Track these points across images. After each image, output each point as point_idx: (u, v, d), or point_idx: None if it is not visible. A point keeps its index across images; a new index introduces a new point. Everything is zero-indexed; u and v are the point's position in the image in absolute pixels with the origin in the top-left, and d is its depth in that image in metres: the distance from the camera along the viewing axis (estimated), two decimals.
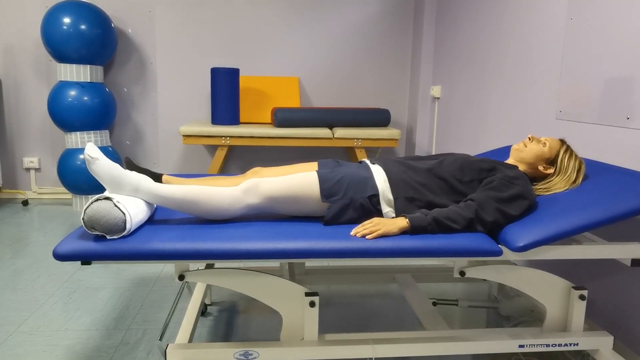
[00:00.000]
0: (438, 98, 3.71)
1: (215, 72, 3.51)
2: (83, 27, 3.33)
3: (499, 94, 2.77)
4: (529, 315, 1.89)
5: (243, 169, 4.12)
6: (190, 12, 3.82)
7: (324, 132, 3.49)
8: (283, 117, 3.52)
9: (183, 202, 1.38)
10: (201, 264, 2.05)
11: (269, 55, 3.95)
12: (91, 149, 1.32)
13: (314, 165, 1.64)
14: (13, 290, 2.24)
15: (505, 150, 2.10)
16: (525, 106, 2.47)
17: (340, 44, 3.99)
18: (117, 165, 1.36)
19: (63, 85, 3.40)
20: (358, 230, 1.36)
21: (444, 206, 1.49)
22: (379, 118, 3.70)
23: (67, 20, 3.29)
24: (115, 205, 1.26)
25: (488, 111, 2.90)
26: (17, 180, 3.90)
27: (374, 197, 1.47)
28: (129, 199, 1.33)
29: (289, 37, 3.94)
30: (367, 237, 1.33)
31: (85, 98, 3.41)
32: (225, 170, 4.10)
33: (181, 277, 1.42)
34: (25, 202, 3.74)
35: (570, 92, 2.10)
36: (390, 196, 1.48)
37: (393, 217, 1.47)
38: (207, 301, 2.16)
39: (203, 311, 2.09)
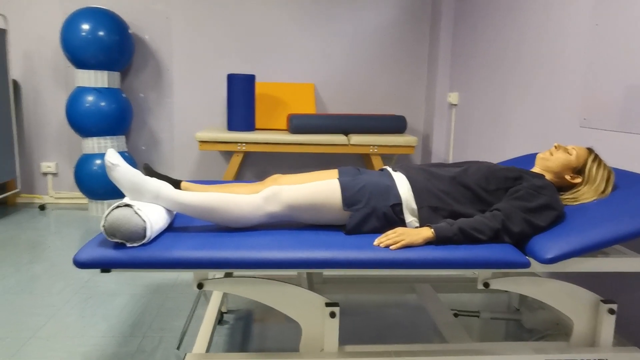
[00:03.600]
0: (455, 105, 3.66)
1: (232, 79, 3.51)
2: (101, 33, 3.35)
3: (520, 101, 2.72)
4: (553, 329, 1.83)
5: (258, 176, 4.11)
6: (206, 18, 3.84)
7: (339, 138, 3.47)
8: (298, 124, 3.51)
9: (203, 210, 1.37)
10: (219, 272, 2.03)
11: (284, 62, 3.94)
12: (112, 155, 1.31)
13: (334, 173, 1.62)
14: (30, 295, 2.24)
15: (529, 159, 2.06)
16: (548, 114, 2.43)
17: (356, 50, 3.98)
18: (137, 172, 1.35)
19: (81, 91, 3.43)
20: (381, 240, 1.33)
21: (469, 216, 1.46)
22: (395, 125, 3.67)
23: (85, 26, 3.32)
24: (136, 213, 1.24)
25: (508, 118, 2.86)
26: (34, 185, 3.93)
27: (397, 206, 1.43)
28: (149, 206, 1.32)
29: (305, 44, 3.93)
30: (390, 247, 1.30)
31: (103, 104, 3.43)
32: (240, 176, 4.09)
33: (200, 286, 1.40)
34: (42, 207, 3.76)
35: (595, 100, 2.05)
36: (414, 205, 1.45)
37: (417, 227, 1.43)
38: (224, 309, 2.13)
39: (219, 319, 2.07)
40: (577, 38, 2.20)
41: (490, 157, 3.12)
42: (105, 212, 1.19)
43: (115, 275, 2.52)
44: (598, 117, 2.02)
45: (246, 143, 3.44)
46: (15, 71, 3.76)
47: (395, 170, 1.57)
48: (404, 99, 4.08)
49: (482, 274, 1.47)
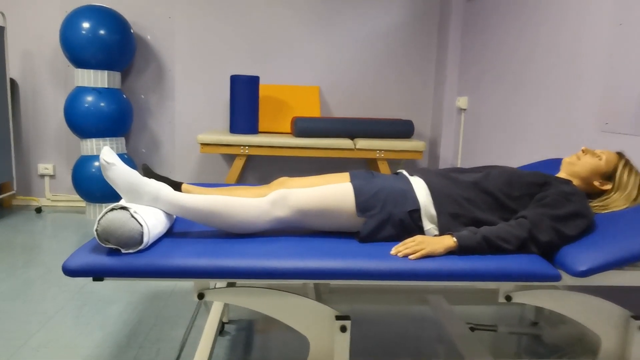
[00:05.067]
0: (464, 109, 3.57)
1: (235, 80, 3.41)
2: (102, 32, 3.26)
3: (534, 104, 2.63)
4: (576, 345, 1.72)
5: (261, 180, 4.01)
6: (210, 18, 3.75)
7: (345, 142, 3.37)
8: (303, 127, 3.41)
9: (205, 214, 1.26)
10: (221, 281, 1.92)
11: (289, 64, 3.85)
12: (107, 154, 1.21)
13: (345, 176, 1.52)
14: (23, 302, 2.14)
15: (549, 164, 1.96)
16: (566, 118, 2.33)
17: (362, 53, 3.89)
18: (135, 172, 1.25)
19: (80, 91, 3.34)
20: (399, 249, 1.23)
21: (491, 223, 1.35)
22: (402, 129, 3.57)
23: (86, 25, 3.24)
24: (132, 216, 1.14)
25: (521, 123, 2.76)
26: (31, 187, 3.83)
27: (415, 212, 1.33)
28: (147, 209, 1.22)
29: (310, 46, 3.84)
30: (409, 257, 1.20)
31: (102, 104, 3.34)
32: (242, 181, 3.99)
33: (201, 296, 1.30)
34: (38, 210, 3.66)
35: (618, 103, 1.95)
36: (433, 211, 1.34)
37: (436, 235, 1.33)
38: (225, 319, 2.03)
39: (220, 330, 1.96)
40: (597, 38, 2.10)
41: (501, 163, 3.01)
42: (98, 215, 1.09)
43: (111, 282, 2.42)
44: (622, 121, 1.92)
45: (249, 146, 3.34)
46: (13, 70, 3.67)
47: (412, 175, 1.47)
48: (410, 103, 3.99)
49: (503, 286, 1.36)
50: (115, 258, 1.14)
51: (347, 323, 1.31)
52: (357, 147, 3.39)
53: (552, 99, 2.44)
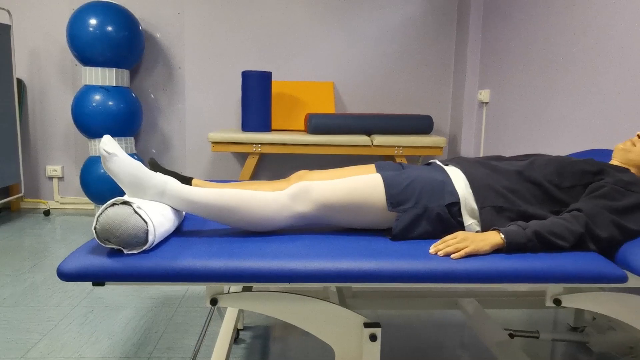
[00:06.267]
0: (486, 103, 3.40)
1: (247, 76, 3.29)
2: (109, 28, 3.16)
3: (566, 95, 2.46)
4: (627, 353, 1.56)
5: (274, 179, 3.87)
6: (220, 14, 3.63)
7: (362, 139, 3.22)
8: (318, 123, 3.27)
9: (218, 209, 1.13)
10: (236, 285, 1.78)
11: (302, 60, 3.72)
12: (108, 143, 1.08)
13: (371, 168, 1.37)
14: (25, 308, 2.02)
15: (593, 154, 1.79)
16: (601, 109, 2.16)
17: (377, 47, 3.74)
18: (138, 164, 1.12)
19: (88, 90, 3.23)
20: (439, 247, 1.07)
21: (540, 218, 1.20)
22: (421, 125, 3.42)
23: (93, 21, 3.13)
24: (136, 212, 1.01)
25: (553, 114, 2.59)
26: (39, 189, 3.74)
27: (454, 206, 1.18)
28: (152, 205, 1.08)
29: (324, 40, 3.70)
30: (452, 256, 1.05)
31: (110, 103, 3.23)
32: (255, 180, 3.86)
33: (214, 302, 1.16)
34: (47, 212, 3.56)
35: None
36: (474, 205, 1.19)
37: (477, 232, 1.18)
38: (240, 326, 1.89)
39: (235, 337, 1.82)
40: (637, 12, 1.93)
41: None
42: (98, 212, 0.95)
43: (118, 285, 2.29)
44: None
45: (262, 144, 3.21)
46: (20, 69, 3.58)
47: (446, 164, 1.32)
48: (427, 98, 3.83)
49: (552, 288, 1.21)
50: (116, 260, 1.00)
51: (377, 331, 1.17)
52: (375, 143, 3.24)
53: (587, 88, 2.27)
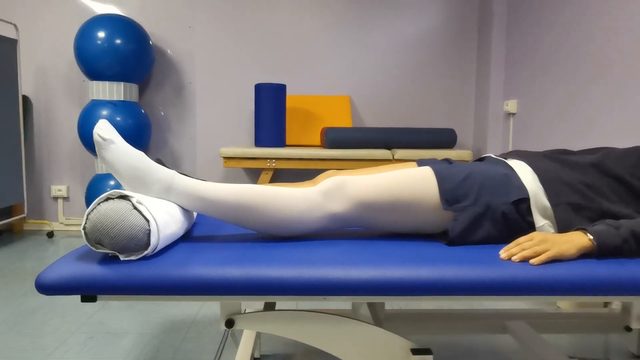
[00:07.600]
0: (514, 114, 3.21)
1: (260, 89, 3.14)
2: (118, 41, 3.05)
3: (604, 102, 2.26)
4: None
5: None
6: (232, 27, 3.52)
7: (382, 153, 3.03)
8: (335, 137, 3.10)
9: (236, 208, 0.93)
10: (257, 302, 1.57)
11: (317, 73, 3.57)
12: (104, 128, 0.89)
13: (413, 165, 1.17)
14: (17, 335, 1.81)
15: None
16: None
17: (395, 59, 3.59)
18: (140, 154, 0.93)
19: (95, 105, 3.10)
20: (513, 251, 0.86)
21: (626, 217, 0.98)
22: (444, 138, 3.23)
23: (101, 34, 3.02)
24: (135, 208, 0.81)
25: (590, 123, 2.38)
26: (43, 210, 3.57)
27: (522, 203, 0.97)
28: (156, 201, 0.89)
29: (339, 53, 3.56)
30: (531, 261, 0.84)
31: (118, 118, 3.09)
32: None
33: (229, 323, 0.95)
34: (50, 234, 3.39)
35: None
36: (546, 202, 0.98)
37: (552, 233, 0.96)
38: (257, 354, 1.66)
39: None
40: None
41: None
42: (89, 208, 0.76)
43: (124, 307, 2.08)
44: None
45: (277, 159, 3.03)
46: (26, 86, 3.47)
47: (506, 158, 1.11)
48: (448, 111, 3.65)
49: (638, 305, 0.99)
50: (110, 268, 0.81)
51: (429, 359, 0.95)
52: (396, 157, 3.05)
53: (627, 89, 2.07)
